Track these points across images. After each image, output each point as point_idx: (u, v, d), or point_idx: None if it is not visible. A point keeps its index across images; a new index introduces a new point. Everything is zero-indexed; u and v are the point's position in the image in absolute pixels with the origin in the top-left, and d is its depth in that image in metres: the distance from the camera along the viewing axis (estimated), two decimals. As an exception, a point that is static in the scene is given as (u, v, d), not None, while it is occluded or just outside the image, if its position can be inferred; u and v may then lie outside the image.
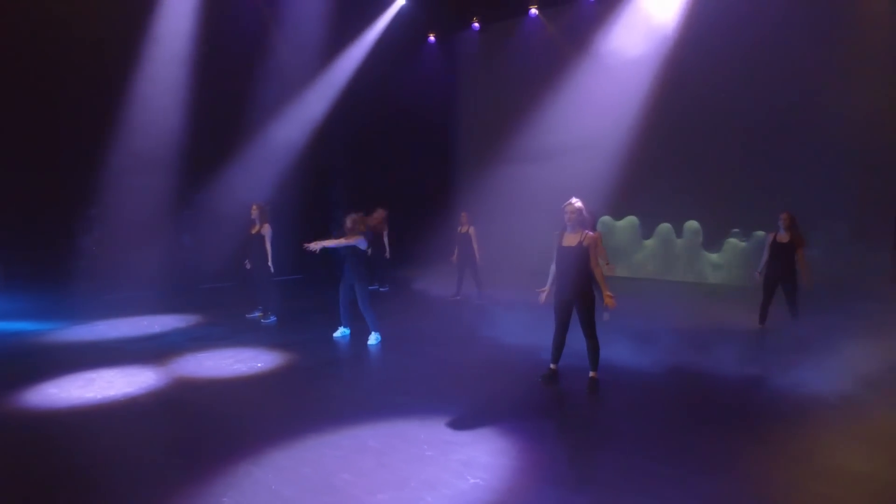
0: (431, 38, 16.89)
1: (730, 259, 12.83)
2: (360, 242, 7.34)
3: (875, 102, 10.77)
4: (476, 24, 16.16)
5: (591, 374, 5.69)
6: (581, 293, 5.55)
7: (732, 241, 12.77)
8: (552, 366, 5.87)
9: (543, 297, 5.91)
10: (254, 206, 8.89)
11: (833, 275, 10.40)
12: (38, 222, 10.56)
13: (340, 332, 7.90)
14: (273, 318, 8.98)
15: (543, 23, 15.16)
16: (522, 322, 8.25)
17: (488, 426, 4.66)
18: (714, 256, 13.13)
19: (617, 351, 6.76)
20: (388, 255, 12.12)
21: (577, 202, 5.57)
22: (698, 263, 13.33)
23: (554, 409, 5.34)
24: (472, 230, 10.66)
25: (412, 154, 16.22)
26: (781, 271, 7.82)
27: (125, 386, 5.73)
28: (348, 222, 7.44)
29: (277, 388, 5.87)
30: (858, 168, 11.14)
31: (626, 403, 5.35)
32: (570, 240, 5.57)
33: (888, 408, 5.03)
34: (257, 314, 9.14)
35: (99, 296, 10.53)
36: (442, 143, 17.32)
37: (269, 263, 8.79)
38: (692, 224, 13.34)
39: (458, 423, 4.72)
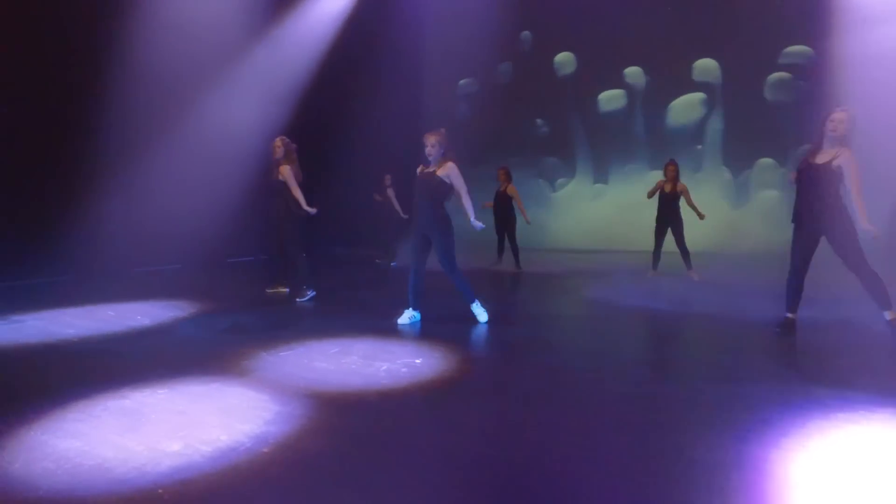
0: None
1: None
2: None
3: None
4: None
5: (889, 315, 4.70)
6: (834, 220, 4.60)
7: None
8: (789, 314, 4.93)
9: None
10: (277, 141, 6.38)
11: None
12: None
13: (409, 317, 5.28)
14: (311, 293, 6.54)
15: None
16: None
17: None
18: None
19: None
20: (402, 214, 9.70)
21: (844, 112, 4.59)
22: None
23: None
24: (511, 188, 8.95)
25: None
26: None
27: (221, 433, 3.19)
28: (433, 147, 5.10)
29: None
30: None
31: None
32: (823, 157, 4.62)
33: None
34: (308, 296, 6.49)
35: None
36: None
37: (305, 207, 6.33)
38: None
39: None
